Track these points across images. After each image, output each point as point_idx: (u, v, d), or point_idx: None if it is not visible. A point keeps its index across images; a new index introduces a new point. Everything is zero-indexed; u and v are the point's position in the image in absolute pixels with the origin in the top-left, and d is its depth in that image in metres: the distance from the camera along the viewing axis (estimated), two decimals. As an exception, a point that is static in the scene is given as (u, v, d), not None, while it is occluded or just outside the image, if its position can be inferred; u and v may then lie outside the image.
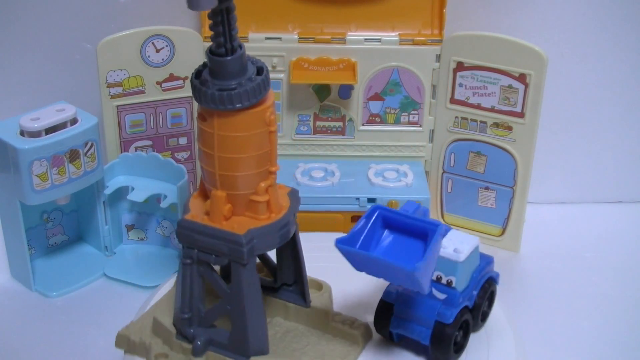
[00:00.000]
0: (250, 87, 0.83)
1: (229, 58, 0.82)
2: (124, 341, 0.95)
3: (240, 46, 0.83)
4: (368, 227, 0.92)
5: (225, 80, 0.83)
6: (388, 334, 0.97)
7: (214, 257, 0.88)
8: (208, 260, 0.88)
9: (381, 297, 0.97)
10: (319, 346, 0.95)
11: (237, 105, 0.83)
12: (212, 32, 0.82)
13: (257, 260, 0.98)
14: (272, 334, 0.95)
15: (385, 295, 0.97)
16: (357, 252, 0.89)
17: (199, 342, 0.91)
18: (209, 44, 1.23)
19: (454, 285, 0.93)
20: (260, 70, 0.85)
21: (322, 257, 1.02)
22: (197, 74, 0.85)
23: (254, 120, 0.85)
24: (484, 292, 0.97)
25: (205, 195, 0.91)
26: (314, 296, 0.99)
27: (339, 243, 0.89)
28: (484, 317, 1.00)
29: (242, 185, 0.87)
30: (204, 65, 0.86)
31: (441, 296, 0.94)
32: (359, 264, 0.90)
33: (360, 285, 1.04)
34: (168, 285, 1.09)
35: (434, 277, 0.94)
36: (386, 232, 0.94)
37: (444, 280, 0.93)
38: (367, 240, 0.92)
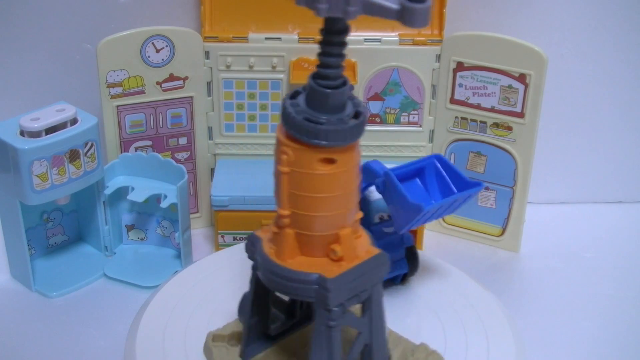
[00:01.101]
0: (363, 102, 0.79)
1: (349, 84, 0.77)
2: None
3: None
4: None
5: (336, 110, 0.77)
6: None
7: (357, 298, 0.81)
8: (352, 304, 0.81)
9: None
10: None
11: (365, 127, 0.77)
12: (331, 61, 0.76)
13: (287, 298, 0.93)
14: None
15: None
16: (441, 202, 0.97)
17: None
18: (209, 44, 1.25)
19: (389, 217, 1.04)
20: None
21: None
22: (309, 119, 0.76)
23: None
24: None
25: (293, 252, 0.82)
26: None
27: (428, 206, 0.95)
28: None
29: (358, 208, 0.82)
30: (298, 111, 0.77)
31: (390, 230, 1.05)
32: (430, 216, 0.97)
33: None
34: (168, 285, 1.09)
35: (378, 219, 1.04)
36: None
37: (385, 217, 1.05)
38: None
